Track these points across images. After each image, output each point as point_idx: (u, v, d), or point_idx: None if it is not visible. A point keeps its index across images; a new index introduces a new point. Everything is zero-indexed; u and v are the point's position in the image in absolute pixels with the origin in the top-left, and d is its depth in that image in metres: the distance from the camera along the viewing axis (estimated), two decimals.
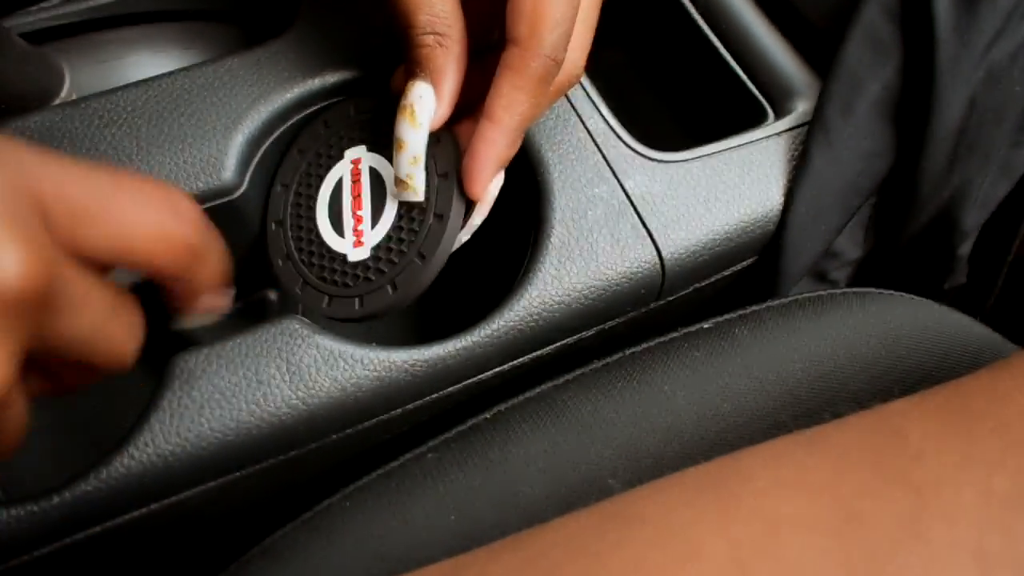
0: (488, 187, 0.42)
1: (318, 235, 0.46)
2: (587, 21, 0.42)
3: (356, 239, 0.44)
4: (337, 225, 0.45)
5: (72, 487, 0.38)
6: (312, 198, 0.47)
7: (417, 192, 0.42)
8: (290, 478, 0.44)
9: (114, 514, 0.39)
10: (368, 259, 0.44)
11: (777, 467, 0.31)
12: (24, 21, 0.50)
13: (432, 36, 0.40)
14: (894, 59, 0.49)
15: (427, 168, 0.43)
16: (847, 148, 0.48)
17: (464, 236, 0.44)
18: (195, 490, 0.41)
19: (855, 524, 0.28)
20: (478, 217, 0.44)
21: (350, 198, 0.45)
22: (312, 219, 0.46)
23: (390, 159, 0.43)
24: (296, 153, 0.48)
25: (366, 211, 0.45)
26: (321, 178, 0.47)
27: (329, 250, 0.45)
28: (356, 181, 0.45)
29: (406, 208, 0.43)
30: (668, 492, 0.32)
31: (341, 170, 0.46)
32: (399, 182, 0.42)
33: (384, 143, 0.45)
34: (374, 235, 0.44)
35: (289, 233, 0.47)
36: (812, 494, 0.29)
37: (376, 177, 0.45)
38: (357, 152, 0.46)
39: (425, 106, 0.41)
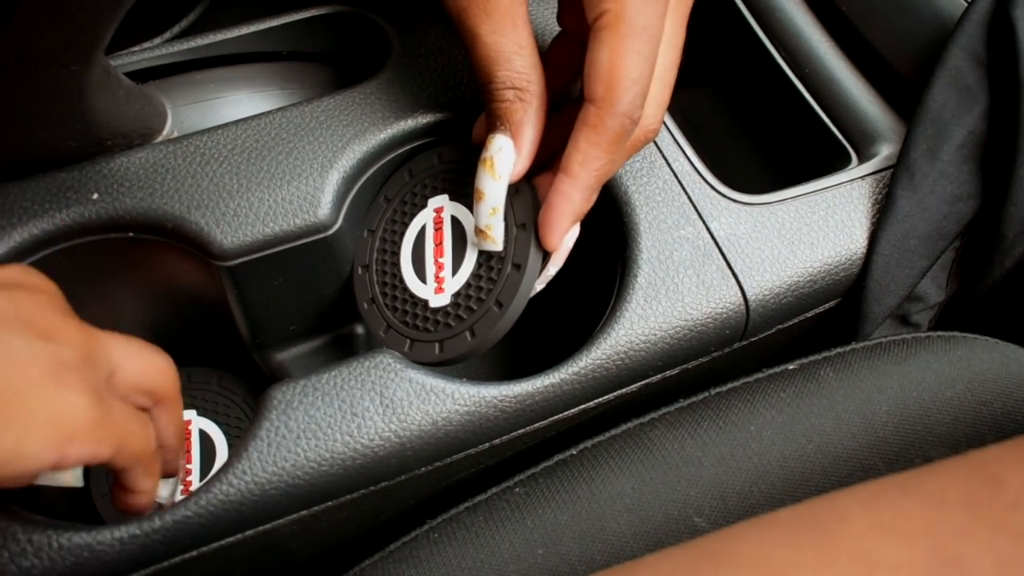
0: (564, 239, 0.43)
1: (402, 280, 0.47)
2: (664, 78, 0.42)
3: (437, 285, 0.45)
4: (420, 271, 0.46)
5: (173, 512, 0.40)
6: (397, 244, 0.48)
7: (496, 242, 0.43)
8: (379, 509, 0.45)
9: (211, 539, 0.41)
10: (448, 305, 0.45)
11: (874, 510, 0.31)
12: (128, 61, 0.51)
13: (512, 91, 0.41)
14: (980, 104, 0.49)
15: (506, 219, 0.44)
16: (932, 192, 0.48)
17: (539, 286, 0.45)
18: (288, 518, 0.42)
19: (954, 570, 0.28)
20: (553, 267, 0.44)
21: (432, 245, 0.46)
22: (396, 265, 0.47)
23: (471, 208, 0.45)
24: (382, 200, 0.49)
25: (447, 258, 0.46)
26: (406, 225, 0.48)
27: (412, 295, 0.46)
28: (438, 229, 0.47)
29: (485, 257, 0.44)
30: (763, 531, 0.32)
31: (424, 218, 0.48)
32: (479, 232, 0.43)
33: (465, 193, 0.46)
34: (455, 282, 0.45)
35: (375, 278, 0.48)
36: (910, 538, 0.29)
37: (457, 226, 0.46)
38: (440, 201, 0.47)
39: (505, 159, 0.42)
